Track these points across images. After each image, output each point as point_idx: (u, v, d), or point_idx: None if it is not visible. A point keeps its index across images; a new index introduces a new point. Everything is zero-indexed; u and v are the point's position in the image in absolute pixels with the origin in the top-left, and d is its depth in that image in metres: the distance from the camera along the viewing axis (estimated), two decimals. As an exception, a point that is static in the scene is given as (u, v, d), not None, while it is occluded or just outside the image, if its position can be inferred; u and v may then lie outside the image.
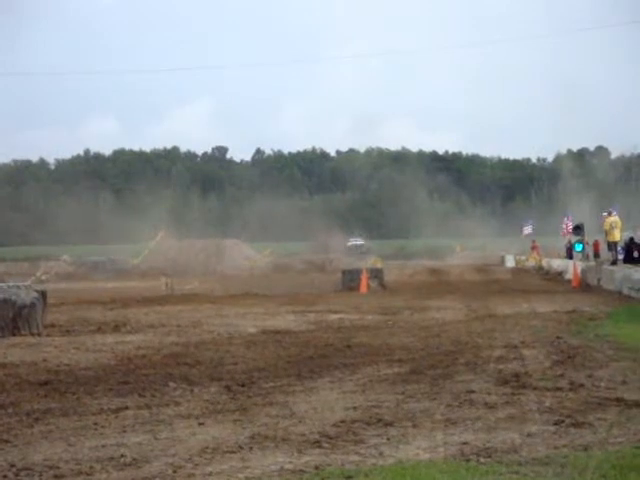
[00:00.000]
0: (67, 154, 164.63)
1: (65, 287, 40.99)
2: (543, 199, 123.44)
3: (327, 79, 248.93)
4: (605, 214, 43.56)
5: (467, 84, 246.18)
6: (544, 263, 56.39)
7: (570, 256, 51.90)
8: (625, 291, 30.79)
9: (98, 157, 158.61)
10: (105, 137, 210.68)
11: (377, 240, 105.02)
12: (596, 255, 49.41)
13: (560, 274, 46.82)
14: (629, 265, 39.18)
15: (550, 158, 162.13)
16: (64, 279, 53.10)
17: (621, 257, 43.03)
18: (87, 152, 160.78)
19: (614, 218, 41.19)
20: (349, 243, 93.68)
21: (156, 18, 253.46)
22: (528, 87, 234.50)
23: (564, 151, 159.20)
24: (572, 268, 41.49)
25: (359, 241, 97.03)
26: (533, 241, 67.45)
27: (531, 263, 61.16)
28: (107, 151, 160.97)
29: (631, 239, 46.31)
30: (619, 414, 10.36)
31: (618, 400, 11.20)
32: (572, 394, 11.73)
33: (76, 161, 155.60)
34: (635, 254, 44.18)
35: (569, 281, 40.72)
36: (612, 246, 41.42)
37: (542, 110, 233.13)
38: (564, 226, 59.56)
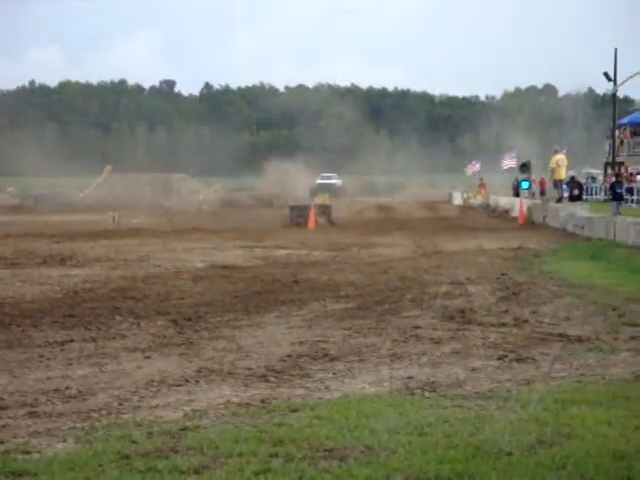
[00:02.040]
0: (12, 85, 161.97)
1: (10, 219, 40.46)
2: (491, 137, 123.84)
3: (276, 13, 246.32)
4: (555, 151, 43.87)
5: (417, 20, 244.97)
6: (491, 201, 56.57)
7: (516, 194, 52.24)
8: (570, 228, 31.14)
9: (43, 88, 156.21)
10: (51, 68, 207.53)
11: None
12: (542, 193, 49.79)
13: (507, 211, 47.02)
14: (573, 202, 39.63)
15: (499, 96, 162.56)
16: (9, 212, 52.37)
17: (566, 195, 43.42)
18: (32, 83, 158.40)
19: (560, 156, 41.44)
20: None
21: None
22: (478, 24, 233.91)
23: (512, 89, 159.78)
24: (518, 206, 41.74)
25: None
26: (481, 179, 67.80)
27: (478, 201, 61.37)
28: (53, 83, 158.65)
29: (572, 178, 46.77)
30: (562, 349, 10.52)
31: (561, 335, 11.37)
32: (516, 330, 11.88)
33: (21, 93, 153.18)
34: (575, 192, 44.69)
35: (515, 218, 40.97)
36: (558, 184, 41.75)
37: (492, 47, 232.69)
38: (504, 161, 60.92)
